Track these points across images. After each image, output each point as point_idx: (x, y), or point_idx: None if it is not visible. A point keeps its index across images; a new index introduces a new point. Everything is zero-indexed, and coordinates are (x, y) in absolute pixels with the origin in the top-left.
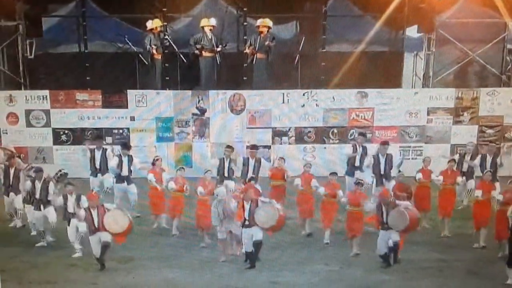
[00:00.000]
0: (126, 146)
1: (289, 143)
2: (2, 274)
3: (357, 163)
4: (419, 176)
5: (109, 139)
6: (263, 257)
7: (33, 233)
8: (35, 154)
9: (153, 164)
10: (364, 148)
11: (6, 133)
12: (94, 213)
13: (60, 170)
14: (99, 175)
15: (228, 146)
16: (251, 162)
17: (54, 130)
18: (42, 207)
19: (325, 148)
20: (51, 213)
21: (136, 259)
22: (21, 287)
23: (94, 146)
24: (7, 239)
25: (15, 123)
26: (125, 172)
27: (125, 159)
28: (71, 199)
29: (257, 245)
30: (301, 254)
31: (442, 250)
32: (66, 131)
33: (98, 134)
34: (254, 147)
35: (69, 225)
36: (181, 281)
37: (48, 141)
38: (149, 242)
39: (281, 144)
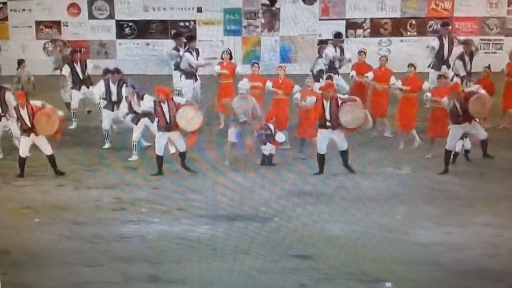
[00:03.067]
0: (192, 38)
1: (364, 36)
2: (59, 178)
3: (444, 56)
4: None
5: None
6: (329, 160)
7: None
8: (96, 48)
9: (222, 57)
10: (451, 40)
11: (67, 26)
12: (165, 107)
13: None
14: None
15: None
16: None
17: (117, 22)
18: (115, 107)
19: (402, 41)
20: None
21: (199, 162)
22: (78, 192)
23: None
24: (66, 141)
25: (76, 14)
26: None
27: (193, 54)
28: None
29: (345, 154)
30: (371, 157)
31: None
32: (130, 24)
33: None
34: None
35: (136, 124)
36: (245, 185)
37: (111, 35)
38: (212, 143)
39: (355, 37)
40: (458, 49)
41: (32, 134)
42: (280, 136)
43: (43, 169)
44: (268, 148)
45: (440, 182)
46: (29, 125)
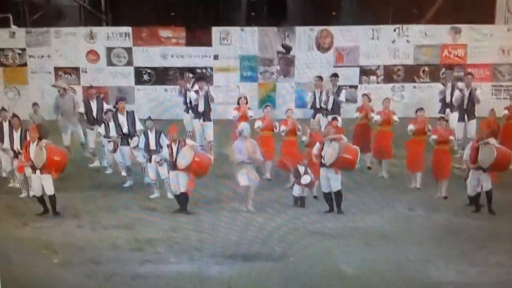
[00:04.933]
0: (202, 79)
1: (377, 82)
2: (78, 219)
3: (447, 100)
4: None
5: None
6: (343, 200)
7: (109, 171)
8: (115, 94)
9: (238, 102)
10: (454, 85)
11: (86, 72)
12: (175, 148)
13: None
14: (190, 111)
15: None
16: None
17: (136, 69)
18: (129, 142)
19: (414, 87)
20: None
21: (219, 201)
22: (95, 234)
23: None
24: (83, 182)
25: (95, 61)
26: (201, 108)
27: (201, 95)
28: (151, 136)
29: (338, 195)
30: (382, 197)
31: None
32: (149, 70)
33: (200, 76)
34: (335, 75)
35: (150, 162)
36: (259, 225)
37: (130, 81)
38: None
39: (369, 83)
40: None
41: (38, 172)
42: (305, 178)
43: (62, 210)
44: (296, 190)
45: (453, 222)
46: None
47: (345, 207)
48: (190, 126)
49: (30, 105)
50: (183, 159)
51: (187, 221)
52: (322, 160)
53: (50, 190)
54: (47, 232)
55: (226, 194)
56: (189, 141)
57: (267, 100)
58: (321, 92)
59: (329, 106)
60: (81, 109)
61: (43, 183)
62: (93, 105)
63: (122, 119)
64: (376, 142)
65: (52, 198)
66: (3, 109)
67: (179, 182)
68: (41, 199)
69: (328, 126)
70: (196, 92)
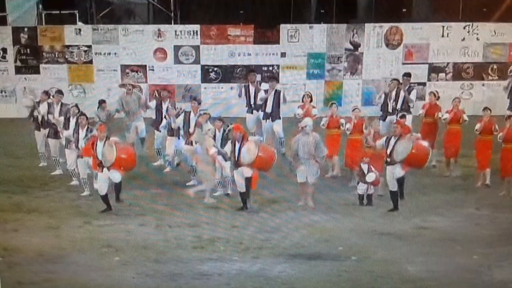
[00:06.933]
0: (274, 78)
1: (446, 80)
2: (140, 218)
3: None
4: None
5: (258, 77)
6: (409, 200)
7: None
8: (182, 92)
9: (303, 100)
10: None
11: (153, 70)
12: (238, 145)
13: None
14: (255, 111)
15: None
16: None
17: (203, 67)
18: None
19: (483, 85)
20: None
21: (283, 199)
22: (159, 231)
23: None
24: (150, 180)
25: (163, 59)
26: (269, 108)
27: (271, 94)
28: (219, 135)
29: (401, 180)
30: (449, 197)
31: None
32: (216, 68)
33: (272, 75)
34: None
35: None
36: (323, 224)
37: (196, 79)
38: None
39: (437, 80)
40: None
41: (105, 169)
42: (370, 176)
43: (125, 209)
44: (361, 188)
45: None
46: (100, 160)
47: (411, 206)
48: (253, 126)
49: (96, 103)
50: (247, 155)
51: (250, 219)
52: (388, 158)
53: (117, 178)
54: (109, 230)
55: (290, 192)
56: (251, 137)
57: (333, 98)
58: (395, 94)
59: (399, 105)
60: (151, 106)
61: (111, 175)
62: (164, 107)
63: (194, 119)
64: (447, 140)
65: (118, 185)
66: (73, 106)
67: (243, 179)
68: (105, 198)
69: (395, 124)
70: (265, 91)
